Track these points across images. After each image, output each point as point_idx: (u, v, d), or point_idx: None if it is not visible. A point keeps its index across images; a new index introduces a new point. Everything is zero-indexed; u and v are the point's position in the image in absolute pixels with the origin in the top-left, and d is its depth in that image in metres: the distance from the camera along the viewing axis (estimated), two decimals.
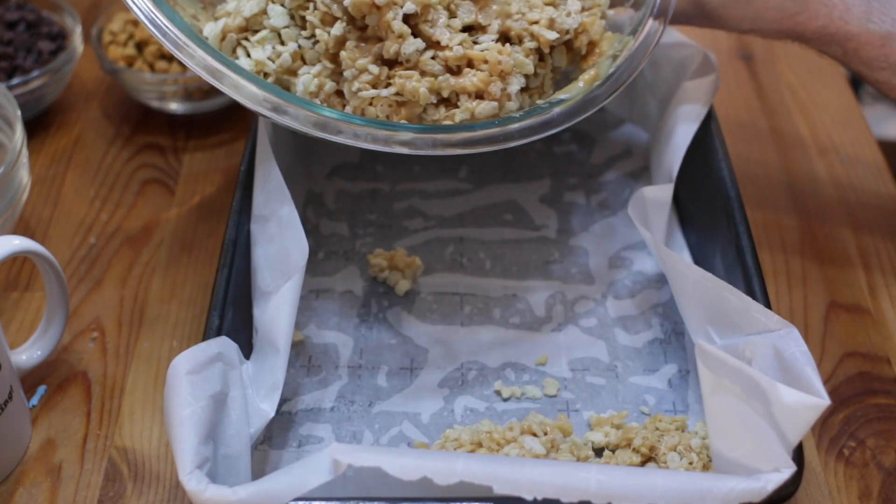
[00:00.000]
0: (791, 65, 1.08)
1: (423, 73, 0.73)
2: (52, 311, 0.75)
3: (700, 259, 0.83)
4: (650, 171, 0.91)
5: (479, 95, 0.74)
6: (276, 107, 0.72)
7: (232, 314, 0.72)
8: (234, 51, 0.78)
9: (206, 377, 0.64)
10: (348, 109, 0.75)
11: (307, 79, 0.75)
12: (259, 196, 0.76)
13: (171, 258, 0.87)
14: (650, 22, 0.79)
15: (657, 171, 0.86)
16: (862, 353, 0.80)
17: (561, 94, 0.76)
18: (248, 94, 0.72)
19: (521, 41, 0.76)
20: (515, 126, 0.73)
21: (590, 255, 0.87)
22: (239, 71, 0.73)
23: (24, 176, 0.83)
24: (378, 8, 0.72)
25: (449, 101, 0.75)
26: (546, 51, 0.77)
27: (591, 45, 0.79)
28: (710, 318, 0.70)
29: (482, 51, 0.74)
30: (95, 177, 0.95)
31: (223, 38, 0.77)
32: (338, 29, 0.74)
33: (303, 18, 0.76)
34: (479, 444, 0.69)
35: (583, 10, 0.80)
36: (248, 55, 0.77)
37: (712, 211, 0.81)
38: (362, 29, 0.74)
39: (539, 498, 0.57)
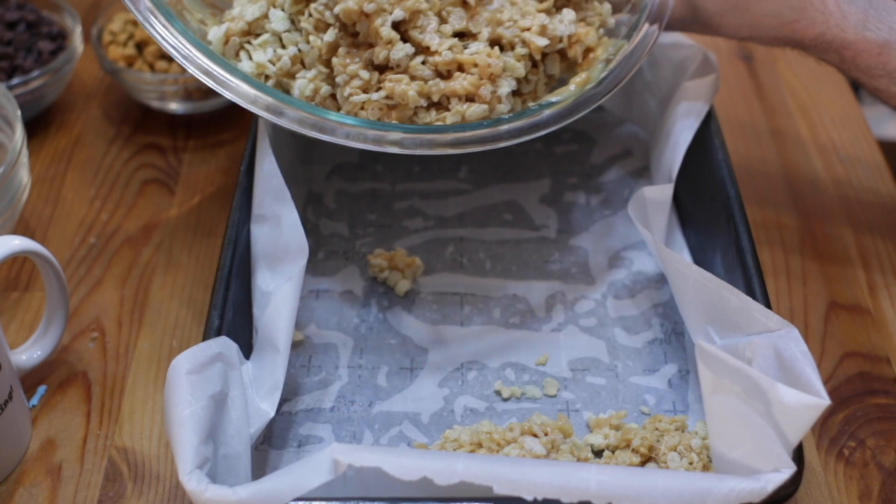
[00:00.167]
0: (791, 65, 1.08)
1: (413, 78, 0.74)
2: (52, 311, 0.75)
3: (700, 259, 0.83)
4: (650, 170, 0.91)
5: (470, 98, 0.75)
6: (269, 107, 0.73)
7: (232, 314, 0.72)
8: (237, 54, 0.79)
9: (206, 377, 0.64)
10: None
11: (303, 83, 0.76)
12: (259, 196, 0.76)
13: (171, 258, 0.87)
14: (645, 27, 0.79)
15: (657, 171, 0.86)
16: (862, 353, 0.80)
17: (552, 97, 0.77)
18: (241, 93, 0.74)
19: (512, 47, 0.76)
20: (505, 127, 0.74)
21: (590, 255, 0.87)
22: (233, 71, 0.75)
23: (24, 176, 0.83)
24: (367, 16, 0.73)
25: (440, 105, 0.75)
26: (538, 57, 0.77)
27: (587, 50, 0.80)
28: (710, 318, 0.70)
29: (472, 54, 0.74)
30: (95, 177, 0.95)
31: (227, 42, 0.79)
32: (330, 35, 0.75)
33: None
34: (479, 445, 0.69)
35: (582, 20, 0.80)
36: (251, 58, 0.78)
37: (712, 211, 0.81)
38: (354, 35, 0.75)
39: (539, 498, 0.57)
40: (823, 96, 1.05)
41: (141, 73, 0.97)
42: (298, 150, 0.90)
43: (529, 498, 0.57)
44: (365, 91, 0.75)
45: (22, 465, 0.72)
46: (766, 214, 0.91)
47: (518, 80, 0.77)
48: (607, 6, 0.81)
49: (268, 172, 0.75)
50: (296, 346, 0.79)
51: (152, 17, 0.76)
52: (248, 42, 0.79)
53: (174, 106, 0.99)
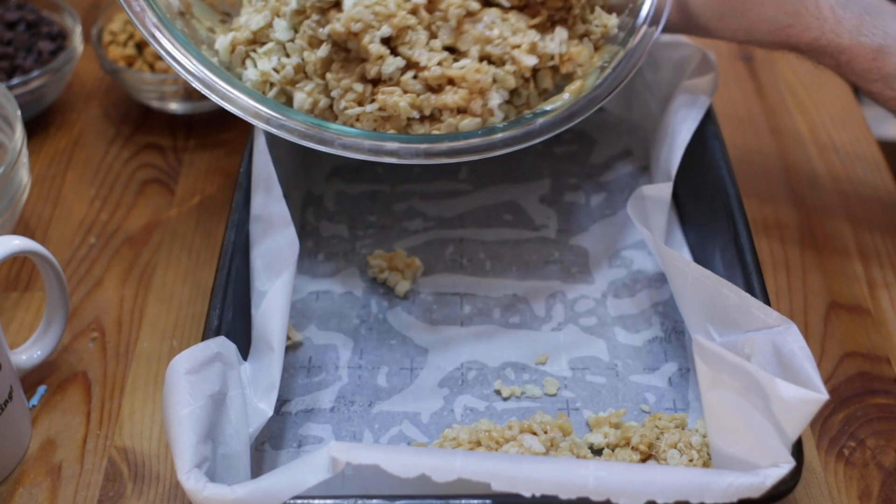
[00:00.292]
0: (791, 65, 1.08)
1: (405, 91, 0.75)
2: (52, 311, 0.75)
3: (700, 257, 0.83)
4: (650, 170, 0.91)
5: (463, 110, 0.75)
6: (270, 120, 0.75)
7: (231, 314, 0.72)
8: (243, 62, 0.80)
9: (205, 377, 0.64)
10: None
11: (301, 98, 0.77)
12: (254, 194, 0.76)
13: (171, 258, 0.87)
14: (643, 30, 0.80)
15: (657, 171, 0.86)
16: (862, 353, 0.80)
17: (546, 105, 0.78)
18: (243, 106, 0.75)
19: (503, 63, 0.76)
20: (500, 136, 0.75)
21: (590, 254, 0.87)
22: (235, 85, 0.76)
23: (24, 176, 0.83)
24: (355, 34, 0.74)
25: (433, 118, 0.76)
26: (527, 75, 0.77)
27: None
28: (709, 315, 0.70)
29: (461, 69, 0.74)
30: (95, 177, 0.95)
31: (233, 50, 0.80)
32: (323, 51, 0.76)
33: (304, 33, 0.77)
34: (478, 443, 0.69)
35: (584, 34, 0.80)
36: (256, 66, 0.79)
37: (712, 210, 0.81)
38: (347, 50, 0.75)
39: (537, 495, 0.57)
40: (823, 96, 1.05)
41: (141, 73, 0.97)
42: (299, 152, 0.90)
43: (527, 494, 0.57)
44: (360, 103, 0.75)
45: (22, 465, 0.72)
46: (765, 214, 0.91)
47: (511, 93, 0.77)
48: (614, 19, 0.81)
49: (262, 171, 0.76)
50: (296, 346, 0.79)
51: (157, 33, 0.76)
52: (254, 50, 0.80)
53: (174, 106, 0.99)
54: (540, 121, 0.76)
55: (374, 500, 0.60)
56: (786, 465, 0.57)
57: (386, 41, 0.74)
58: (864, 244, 0.89)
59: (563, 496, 0.57)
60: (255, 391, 0.68)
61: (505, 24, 0.76)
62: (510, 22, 0.77)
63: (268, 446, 0.72)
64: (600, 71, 0.79)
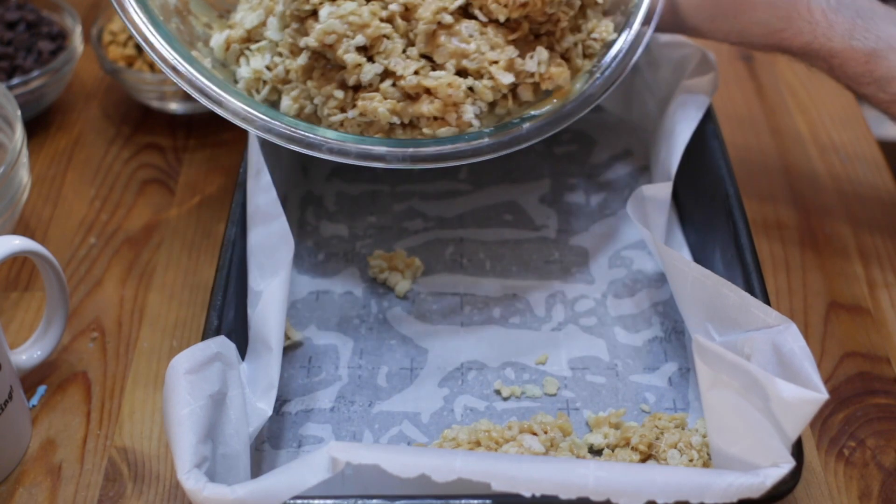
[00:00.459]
0: (791, 65, 1.08)
1: (386, 97, 0.75)
2: (52, 311, 0.75)
3: (699, 257, 0.83)
4: (650, 170, 0.91)
5: (441, 118, 0.75)
6: (256, 122, 0.75)
7: (231, 314, 0.72)
8: (237, 59, 0.80)
9: (205, 377, 0.64)
10: None
11: (287, 104, 0.77)
12: (250, 194, 0.76)
13: (171, 258, 0.87)
14: (632, 33, 0.80)
15: (657, 170, 0.86)
16: (862, 353, 0.80)
17: (533, 110, 0.77)
18: (233, 110, 0.76)
19: (481, 76, 0.75)
20: (486, 141, 0.75)
21: (590, 254, 0.87)
22: (226, 89, 0.76)
23: (24, 176, 0.83)
24: (330, 46, 0.74)
25: (413, 125, 0.76)
26: (505, 91, 0.76)
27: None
28: (709, 315, 0.70)
29: (437, 80, 0.74)
30: (95, 177, 0.95)
31: (227, 48, 0.80)
32: (303, 59, 0.75)
33: None
34: (478, 443, 0.69)
35: (575, 45, 0.79)
36: (249, 63, 0.79)
37: (712, 209, 0.81)
38: (327, 58, 0.75)
39: (537, 495, 0.57)
40: (823, 96, 1.05)
41: (141, 73, 0.97)
42: (298, 152, 0.90)
43: (527, 494, 0.57)
44: (342, 109, 0.76)
45: (22, 465, 0.72)
46: (765, 214, 0.91)
47: (493, 105, 0.77)
48: (609, 24, 0.80)
49: (257, 170, 0.76)
50: (296, 346, 0.79)
51: (152, 38, 0.76)
52: (248, 48, 0.80)
53: (174, 106, 0.99)
54: (526, 126, 0.76)
55: (374, 501, 0.60)
56: (786, 465, 0.57)
57: (364, 48, 0.74)
58: (864, 244, 0.89)
59: (564, 496, 0.57)
60: (253, 391, 0.68)
61: (483, 37, 0.75)
62: (488, 36, 0.75)
63: (267, 446, 0.72)
64: (589, 75, 0.79)
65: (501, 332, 0.81)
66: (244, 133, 0.78)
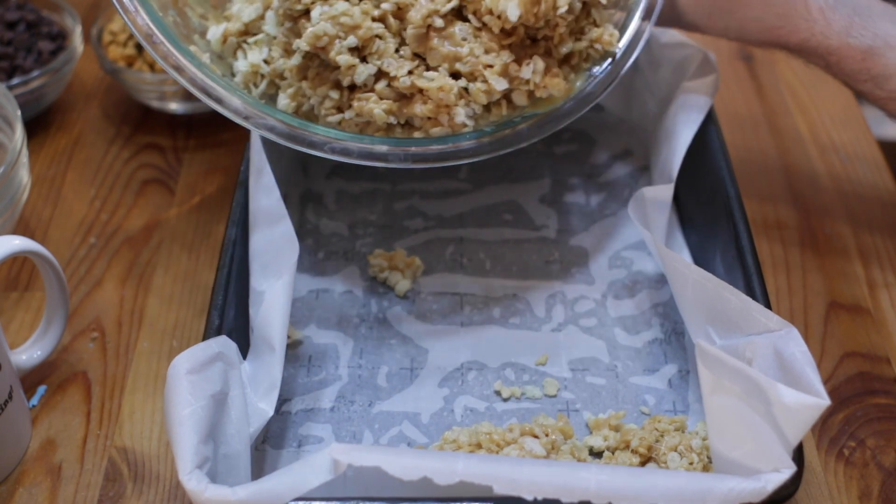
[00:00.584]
0: (791, 65, 1.08)
1: (381, 97, 0.75)
2: (52, 311, 0.75)
3: (700, 259, 0.83)
4: (650, 171, 0.91)
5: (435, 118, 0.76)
6: (255, 119, 0.75)
7: (232, 314, 0.72)
8: (234, 53, 0.80)
9: (206, 377, 0.64)
10: None
11: (284, 102, 0.77)
12: (252, 194, 0.76)
13: (171, 258, 0.87)
14: (631, 31, 0.80)
15: (657, 171, 0.86)
16: (862, 353, 0.80)
17: (531, 110, 0.77)
18: (234, 109, 0.75)
19: (475, 78, 0.75)
20: (486, 140, 0.76)
21: (590, 255, 0.87)
22: (228, 87, 0.76)
23: (24, 176, 0.83)
24: (322, 48, 0.74)
25: (409, 124, 0.76)
26: (497, 97, 0.75)
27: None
28: (710, 318, 0.70)
29: (430, 81, 0.74)
30: (95, 177, 0.95)
31: (224, 41, 0.80)
32: (296, 59, 0.75)
33: None
34: (479, 446, 0.69)
35: (575, 51, 0.79)
36: (246, 57, 0.79)
37: (712, 211, 0.81)
38: (321, 57, 0.75)
39: (539, 498, 0.57)
40: (823, 96, 1.05)
41: (141, 73, 0.97)
42: (298, 151, 0.90)
43: (529, 498, 0.57)
44: (339, 109, 0.76)
45: (22, 465, 0.72)
46: (766, 214, 0.91)
47: (490, 109, 0.76)
48: (614, 32, 0.78)
49: (260, 170, 0.76)
50: (295, 346, 0.79)
51: (154, 37, 0.76)
52: (245, 41, 0.79)
53: (174, 106, 0.99)
54: (526, 124, 0.77)
55: (376, 503, 0.60)
56: (787, 471, 0.58)
57: (357, 49, 0.74)
58: (864, 244, 0.89)
59: (565, 500, 0.57)
60: (255, 391, 0.68)
61: (477, 40, 0.75)
62: (483, 39, 0.75)
63: (268, 446, 0.72)
64: (589, 74, 0.79)
65: (501, 332, 0.81)
66: (244, 133, 0.78)
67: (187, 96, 0.97)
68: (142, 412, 0.75)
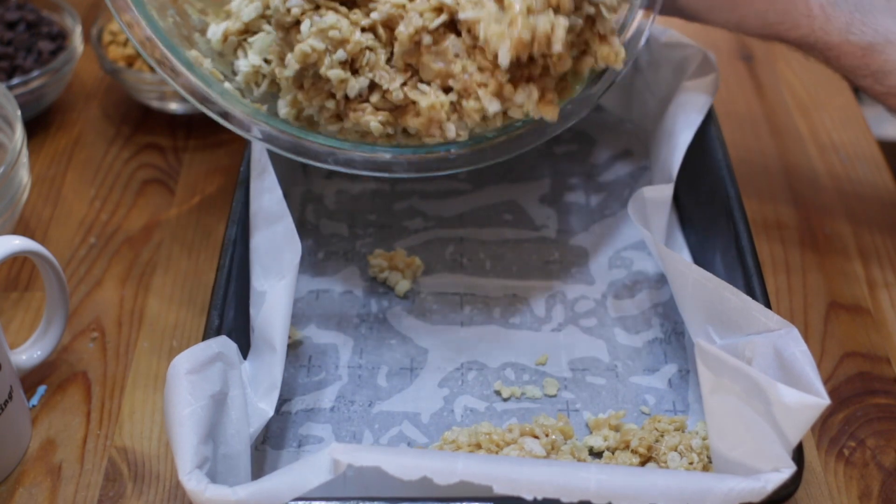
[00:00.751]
0: (791, 65, 1.08)
1: (377, 109, 0.75)
2: (52, 311, 0.75)
3: (700, 259, 0.83)
4: (650, 171, 0.91)
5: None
6: (264, 134, 0.75)
7: (232, 314, 0.72)
8: (235, 51, 0.80)
9: (206, 377, 0.64)
10: None
11: (285, 110, 0.77)
12: (254, 194, 0.76)
13: (171, 258, 0.87)
14: (632, 28, 0.80)
15: (657, 171, 0.86)
16: (862, 353, 0.80)
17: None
18: (235, 119, 0.75)
19: (468, 95, 0.74)
20: (487, 146, 0.76)
21: (590, 255, 0.87)
22: (232, 100, 0.76)
23: (24, 176, 0.83)
24: (313, 64, 0.73)
25: (407, 132, 0.76)
26: (489, 116, 0.74)
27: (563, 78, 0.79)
28: (710, 317, 0.70)
29: (421, 95, 0.74)
30: (95, 177, 0.95)
31: (225, 40, 0.80)
32: (290, 71, 0.75)
33: None
34: (478, 446, 0.69)
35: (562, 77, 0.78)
36: (247, 56, 0.79)
37: (712, 211, 0.81)
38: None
39: (539, 498, 0.57)
40: (823, 96, 1.05)
41: (141, 73, 0.97)
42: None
43: (529, 498, 0.57)
44: (338, 117, 0.76)
45: (22, 465, 0.72)
46: (766, 214, 0.91)
47: (487, 119, 0.76)
48: (621, 49, 0.76)
49: (262, 170, 0.76)
50: (295, 346, 0.79)
51: (157, 50, 0.76)
52: (246, 40, 0.79)
53: (174, 106, 0.99)
54: (528, 129, 0.77)
55: (376, 503, 0.60)
56: (787, 470, 0.58)
57: (348, 62, 0.74)
58: (864, 244, 0.89)
59: (565, 500, 0.57)
60: (255, 391, 0.68)
61: (470, 57, 0.73)
62: (476, 58, 0.73)
63: (268, 446, 0.72)
64: (590, 75, 0.79)
65: (501, 332, 0.81)
66: None
67: None
68: (142, 412, 0.75)
